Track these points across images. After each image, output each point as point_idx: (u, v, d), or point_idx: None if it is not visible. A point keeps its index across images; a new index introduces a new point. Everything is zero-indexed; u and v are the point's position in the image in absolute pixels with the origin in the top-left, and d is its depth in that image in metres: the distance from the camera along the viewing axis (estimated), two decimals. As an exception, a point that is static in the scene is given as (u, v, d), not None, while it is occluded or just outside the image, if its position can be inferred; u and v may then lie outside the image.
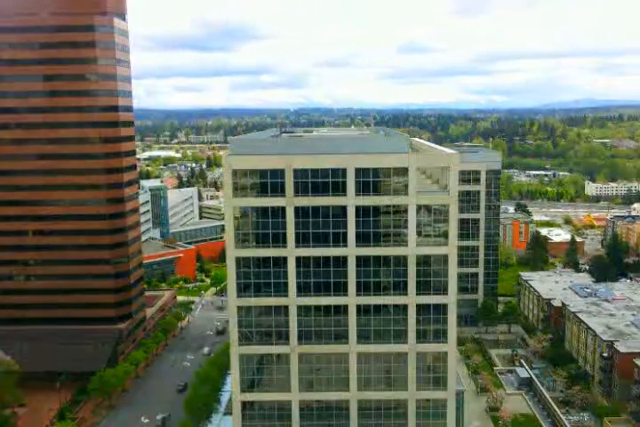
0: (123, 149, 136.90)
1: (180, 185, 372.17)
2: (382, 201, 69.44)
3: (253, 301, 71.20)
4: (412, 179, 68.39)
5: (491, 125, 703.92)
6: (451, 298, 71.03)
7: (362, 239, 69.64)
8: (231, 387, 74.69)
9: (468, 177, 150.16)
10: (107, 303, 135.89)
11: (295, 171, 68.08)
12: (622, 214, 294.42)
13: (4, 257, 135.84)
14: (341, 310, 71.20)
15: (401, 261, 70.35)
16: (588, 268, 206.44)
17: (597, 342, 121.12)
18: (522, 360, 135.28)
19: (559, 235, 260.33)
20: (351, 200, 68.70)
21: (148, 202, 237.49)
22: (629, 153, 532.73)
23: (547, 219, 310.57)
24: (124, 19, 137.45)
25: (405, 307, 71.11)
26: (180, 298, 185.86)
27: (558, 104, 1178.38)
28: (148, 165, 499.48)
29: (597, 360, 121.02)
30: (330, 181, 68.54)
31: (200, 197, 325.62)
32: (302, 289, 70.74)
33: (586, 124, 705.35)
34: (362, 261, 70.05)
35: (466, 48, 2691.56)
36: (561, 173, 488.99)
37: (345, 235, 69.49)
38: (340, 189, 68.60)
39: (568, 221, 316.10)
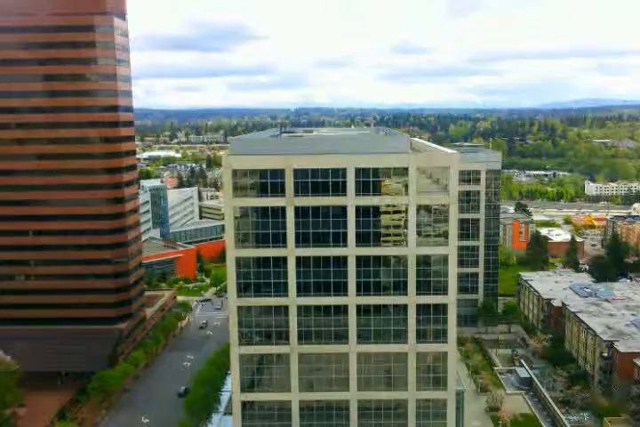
0: (123, 148, 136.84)
1: (180, 185, 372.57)
2: (382, 201, 69.49)
3: (253, 301, 71.24)
4: (412, 179, 68.41)
5: (491, 125, 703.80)
6: (451, 298, 71.05)
7: (362, 239, 69.67)
8: (231, 387, 74.70)
9: (468, 177, 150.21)
10: (107, 303, 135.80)
11: (295, 171, 68.11)
12: (622, 214, 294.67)
13: (4, 257, 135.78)
14: (341, 310, 71.24)
15: (401, 261, 70.42)
16: (587, 268, 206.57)
17: (597, 342, 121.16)
18: (522, 360, 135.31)
19: (559, 235, 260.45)
20: (351, 200, 68.72)
21: (147, 202, 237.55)
22: (629, 153, 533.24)
23: (547, 219, 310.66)
24: (124, 19, 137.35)
25: (405, 307, 71.14)
26: (180, 298, 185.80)
27: (558, 104, 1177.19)
28: (148, 165, 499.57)
29: (597, 360, 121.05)
30: (330, 181, 68.58)
31: (200, 197, 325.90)
32: (302, 289, 70.77)
33: (586, 124, 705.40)
34: (362, 261, 70.08)
35: (465, 48, 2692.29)
36: (561, 173, 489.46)
37: (345, 235, 69.51)
38: (340, 189, 68.64)
39: (568, 221, 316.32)
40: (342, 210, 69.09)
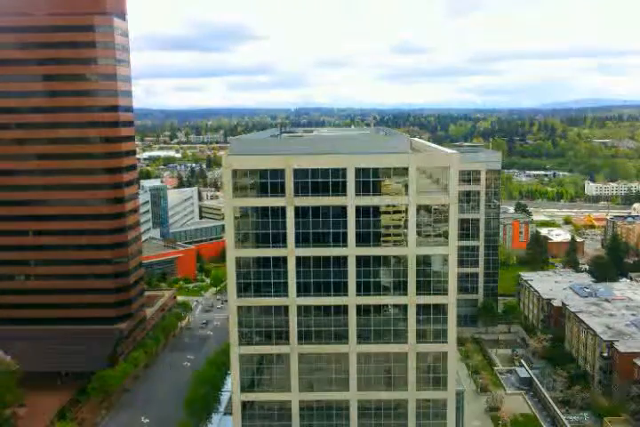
0: (123, 148, 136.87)
1: (180, 185, 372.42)
2: (382, 201, 69.47)
3: (253, 301, 71.23)
4: (412, 179, 68.38)
5: (491, 125, 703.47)
6: (451, 298, 71.01)
7: (362, 239, 69.64)
8: (231, 387, 74.69)
9: (468, 177, 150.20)
10: (107, 303, 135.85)
11: (295, 171, 68.07)
12: (622, 214, 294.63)
13: (4, 257, 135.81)
14: (341, 310, 71.20)
15: (401, 261, 70.39)
16: (587, 268, 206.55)
17: (597, 341, 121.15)
18: (522, 360, 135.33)
19: (559, 235, 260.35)
20: (351, 200, 68.70)
21: (147, 202, 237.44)
22: (629, 153, 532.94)
23: (547, 219, 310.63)
24: (123, 19, 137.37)
25: (405, 307, 71.12)
26: (180, 298, 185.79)
27: (558, 104, 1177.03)
28: (148, 165, 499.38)
29: (597, 360, 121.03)
30: (330, 181, 68.54)
31: (200, 197, 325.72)
32: (302, 289, 70.74)
33: (586, 124, 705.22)
34: (362, 261, 70.06)
35: (465, 48, 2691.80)
36: (561, 173, 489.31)
37: (345, 235, 69.49)
38: (340, 189, 68.60)
39: (568, 221, 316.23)
40: (342, 210, 69.05)
